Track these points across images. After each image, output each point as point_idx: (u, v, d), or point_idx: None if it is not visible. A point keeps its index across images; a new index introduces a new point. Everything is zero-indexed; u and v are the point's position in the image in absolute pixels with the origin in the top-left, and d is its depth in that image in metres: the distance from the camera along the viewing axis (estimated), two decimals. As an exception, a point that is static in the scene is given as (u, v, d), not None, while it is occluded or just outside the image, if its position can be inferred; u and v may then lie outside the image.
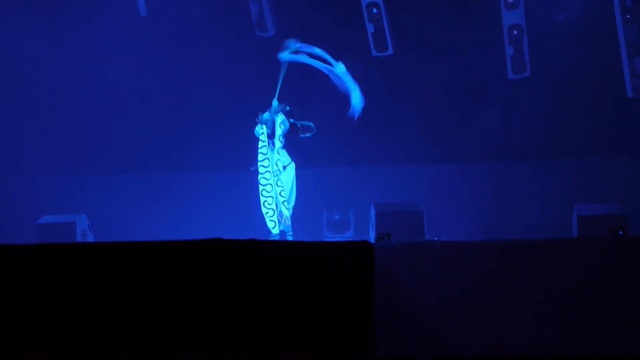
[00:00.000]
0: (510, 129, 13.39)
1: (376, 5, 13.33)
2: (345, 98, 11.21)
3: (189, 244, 6.87)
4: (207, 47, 13.65)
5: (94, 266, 6.84)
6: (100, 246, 7.29)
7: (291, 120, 11.32)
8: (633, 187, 12.95)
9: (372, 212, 10.72)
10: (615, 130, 13.42)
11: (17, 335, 6.77)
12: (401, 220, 10.25)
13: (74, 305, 6.79)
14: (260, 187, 11.15)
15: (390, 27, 13.47)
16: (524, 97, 13.48)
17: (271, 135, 11.19)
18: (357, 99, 11.17)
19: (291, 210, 11.30)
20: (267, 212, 11.11)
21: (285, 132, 11.25)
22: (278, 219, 11.09)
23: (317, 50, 11.21)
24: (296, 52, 11.21)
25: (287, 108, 11.30)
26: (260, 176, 11.16)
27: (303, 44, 11.22)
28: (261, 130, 11.14)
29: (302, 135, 11.44)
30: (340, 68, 11.17)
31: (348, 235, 13.15)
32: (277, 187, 11.13)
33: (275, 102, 11.15)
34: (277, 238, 10.99)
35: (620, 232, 9.99)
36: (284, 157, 11.30)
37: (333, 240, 12.59)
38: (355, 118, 11.28)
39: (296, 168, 11.37)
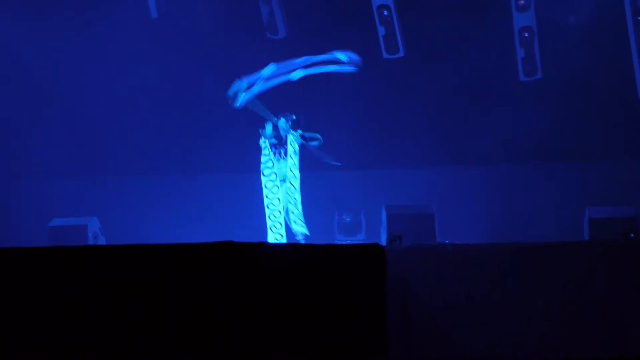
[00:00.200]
0: (521, 131, 13.35)
1: (387, 7, 13.33)
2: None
3: (190, 247, 6.91)
4: (218, 49, 13.66)
5: (94, 267, 6.87)
6: (101, 249, 7.32)
7: (299, 131, 11.26)
8: (644, 189, 12.93)
9: (384, 214, 10.70)
10: (627, 133, 13.38)
11: (17, 335, 6.81)
12: (413, 223, 10.20)
13: (74, 305, 6.82)
14: (267, 201, 11.10)
15: (401, 30, 13.46)
16: (535, 99, 13.46)
17: (278, 145, 11.16)
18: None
19: (304, 226, 11.25)
20: (272, 226, 11.09)
21: (298, 148, 11.21)
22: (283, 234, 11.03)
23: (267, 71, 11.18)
24: (248, 88, 11.18)
25: (294, 117, 11.27)
26: (266, 190, 11.11)
27: (246, 77, 11.20)
28: (264, 144, 11.14)
29: (309, 145, 11.38)
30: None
31: (359, 238, 13.13)
32: (289, 204, 11.10)
33: (282, 121, 11.13)
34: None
35: (632, 235, 9.94)
36: (295, 172, 11.26)
37: (344, 243, 12.58)
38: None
39: (308, 170, 11.34)
